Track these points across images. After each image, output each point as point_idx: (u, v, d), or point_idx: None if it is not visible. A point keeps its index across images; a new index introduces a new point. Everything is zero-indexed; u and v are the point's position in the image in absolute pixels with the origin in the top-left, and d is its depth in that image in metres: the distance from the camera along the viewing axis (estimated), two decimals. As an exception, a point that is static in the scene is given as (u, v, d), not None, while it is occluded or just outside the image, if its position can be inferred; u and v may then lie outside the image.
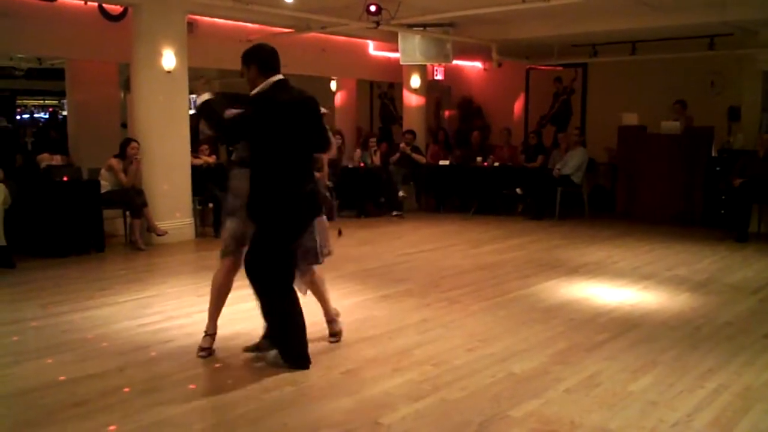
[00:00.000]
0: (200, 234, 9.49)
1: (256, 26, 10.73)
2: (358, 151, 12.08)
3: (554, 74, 13.84)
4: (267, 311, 4.41)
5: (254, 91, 4.31)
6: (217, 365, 4.40)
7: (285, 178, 4.27)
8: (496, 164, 12.01)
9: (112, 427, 3.49)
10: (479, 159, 12.18)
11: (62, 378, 4.18)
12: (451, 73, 14.08)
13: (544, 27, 11.06)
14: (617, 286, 6.62)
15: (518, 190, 11.56)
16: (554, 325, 5.31)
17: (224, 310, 5.59)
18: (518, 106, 14.47)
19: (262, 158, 4.27)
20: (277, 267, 4.34)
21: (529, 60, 13.53)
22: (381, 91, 16.23)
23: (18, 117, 19.52)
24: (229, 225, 4.51)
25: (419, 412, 3.69)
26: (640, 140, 11.12)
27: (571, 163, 11.27)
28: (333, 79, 14.58)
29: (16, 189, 7.90)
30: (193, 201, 9.42)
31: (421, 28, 11.31)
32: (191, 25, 9.65)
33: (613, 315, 5.63)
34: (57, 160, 9.27)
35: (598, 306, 5.90)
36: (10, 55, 12.75)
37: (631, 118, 11.31)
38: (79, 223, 8.10)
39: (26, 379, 4.19)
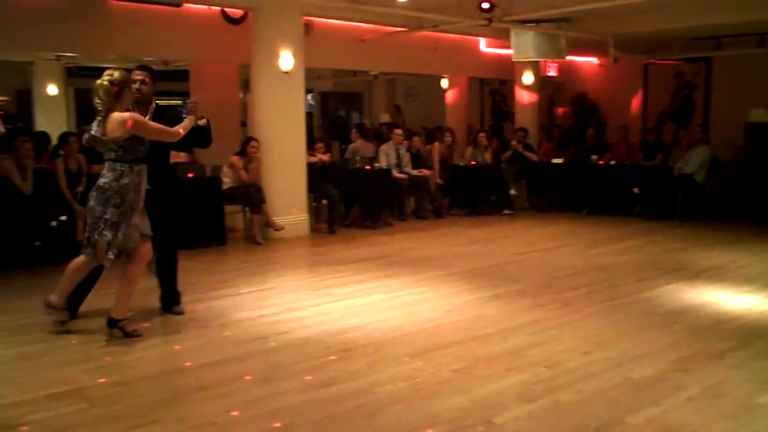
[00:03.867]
0: (314, 230, 9.75)
1: (369, 26, 10.92)
2: (469, 148, 12.02)
3: (675, 69, 13.27)
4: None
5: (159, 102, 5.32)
6: (332, 357, 4.52)
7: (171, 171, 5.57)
8: (612, 162, 11.66)
9: (234, 413, 3.66)
10: (594, 157, 11.86)
11: (188, 364, 4.42)
12: (565, 69, 13.76)
13: (664, 20, 10.62)
14: (743, 293, 6.28)
15: (635, 190, 11.17)
16: (675, 331, 5.12)
17: (336, 305, 5.79)
18: (636, 102, 13.97)
19: (161, 156, 5.24)
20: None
21: (648, 54, 13.06)
22: (492, 89, 16.08)
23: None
24: (135, 221, 4.95)
25: (532, 414, 3.66)
26: (769, 137, 10.50)
27: (692, 162, 10.78)
28: (444, 77, 14.60)
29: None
30: (308, 197, 9.69)
31: (534, 24, 11.12)
32: (307, 26, 9.91)
33: (740, 322, 5.36)
34: (182, 157, 9.75)
35: (722, 312, 5.63)
36: (140, 59, 13.50)
37: (759, 114, 10.69)
38: (203, 217, 8.51)
39: (156, 363, 4.47)
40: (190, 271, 7.18)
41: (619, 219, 10.94)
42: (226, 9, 9.66)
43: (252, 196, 8.79)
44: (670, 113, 13.49)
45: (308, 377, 4.19)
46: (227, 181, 8.85)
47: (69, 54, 12.03)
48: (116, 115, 4.72)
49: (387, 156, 10.76)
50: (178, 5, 9.20)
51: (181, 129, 5.05)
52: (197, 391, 3.96)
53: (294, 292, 6.33)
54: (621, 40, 11.67)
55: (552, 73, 13.38)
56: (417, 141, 11.51)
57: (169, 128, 5.02)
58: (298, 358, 4.51)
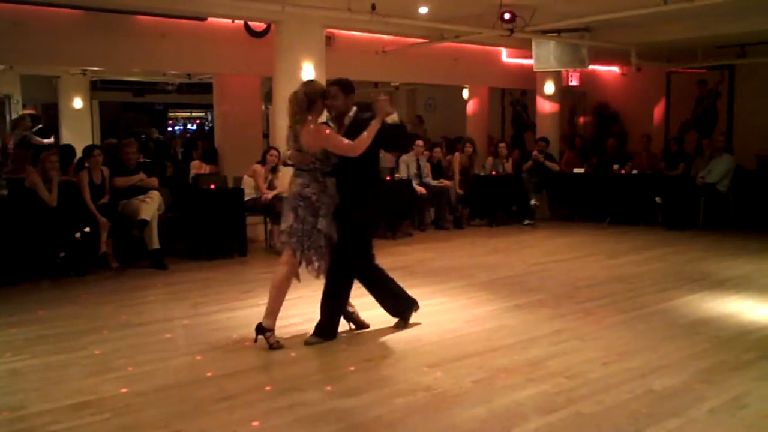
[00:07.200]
0: (335, 240, 9.76)
1: (391, 38, 10.98)
2: (490, 159, 12.02)
3: (698, 77, 13.18)
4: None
5: (361, 114, 5.06)
6: (352, 368, 4.54)
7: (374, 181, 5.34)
8: (634, 172, 11.59)
9: (255, 423, 3.69)
10: (616, 167, 11.80)
11: (210, 374, 4.45)
12: (587, 79, 13.73)
13: (687, 28, 10.56)
14: (767, 303, 6.21)
15: (658, 199, 11.09)
16: (697, 342, 5.07)
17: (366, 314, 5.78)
18: (658, 111, 13.88)
19: (350, 169, 5.00)
20: None
21: (671, 63, 12.99)
22: (513, 99, 16.07)
23: (169, 129, 20.88)
24: (322, 225, 4.95)
25: (553, 425, 3.64)
26: (795, 146, 10.38)
27: (716, 171, 10.70)
28: (465, 88, 14.62)
29: (170, 196, 8.50)
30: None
31: (556, 34, 11.11)
32: (329, 38, 10.00)
33: (763, 333, 5.29)
34: (206, 169, 9.88)
35: (746, 323, 5.56)
36: (165, 71, 13.70)
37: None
38: (225, 228, 8.59)
39: (178, 373, 4.50)
40: (212, 281, 7.29)
41: (641, 229, 10.87)
42: (250, 22, 9.78)
43: (273, 207, 8.83)
44: (693, 122, 13.40)
45: (328, 387, 4.20)
46: (249, 192, 8.90)
47: (94, 68, 12.21)
48: (309, 127, 4.86)
49: (407, 166, 10.79)
50: (203, 19, 9.34)
51: (362, 138, 4.83)
52: (218, 401, 3.99)
53: (315, 303, 6.30)
54: (643, 49, 11.63)
55: (573, 82, 13.35)
56: (438, 151, 11.52)
57: (347, 142, 4.85)
58: (319, 369, 4.55)
